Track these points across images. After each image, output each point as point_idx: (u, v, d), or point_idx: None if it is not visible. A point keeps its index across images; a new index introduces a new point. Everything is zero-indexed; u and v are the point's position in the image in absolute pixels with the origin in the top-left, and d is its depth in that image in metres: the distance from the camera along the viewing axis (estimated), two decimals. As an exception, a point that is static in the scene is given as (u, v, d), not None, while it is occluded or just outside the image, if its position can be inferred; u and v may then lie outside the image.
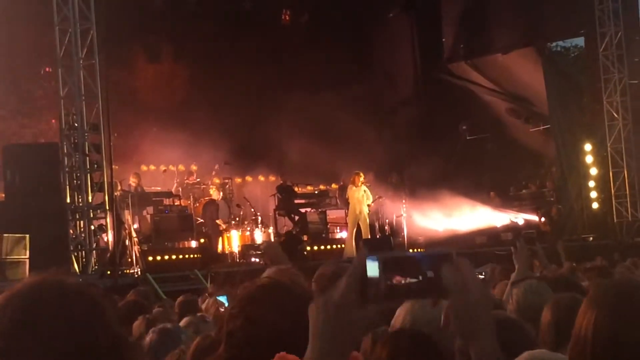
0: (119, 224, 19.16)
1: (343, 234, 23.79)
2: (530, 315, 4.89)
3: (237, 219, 22.74)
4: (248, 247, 21.45)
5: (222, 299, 8.09)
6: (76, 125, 18.24)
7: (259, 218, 22.91)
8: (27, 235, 16.26)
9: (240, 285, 3.06)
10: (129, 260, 19.27)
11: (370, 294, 1.99)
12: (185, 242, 21.04)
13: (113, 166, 18.71)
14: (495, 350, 2.04)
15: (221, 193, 23.32)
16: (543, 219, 25.66)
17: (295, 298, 2.05)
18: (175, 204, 22.64)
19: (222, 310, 7.15)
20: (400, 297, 2.05)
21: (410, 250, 24.16)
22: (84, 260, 17.97)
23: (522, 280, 5.64)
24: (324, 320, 1.99)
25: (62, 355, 1.97)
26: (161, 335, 5.72)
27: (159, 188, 23.41)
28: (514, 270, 6.87)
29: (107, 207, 18.31)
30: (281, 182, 24.20)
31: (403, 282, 2.01)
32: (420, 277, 2.02)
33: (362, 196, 22.22)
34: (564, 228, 24.95)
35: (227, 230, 22.22)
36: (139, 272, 18.44)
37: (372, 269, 1.99)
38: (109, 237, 18.39)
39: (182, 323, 6.40)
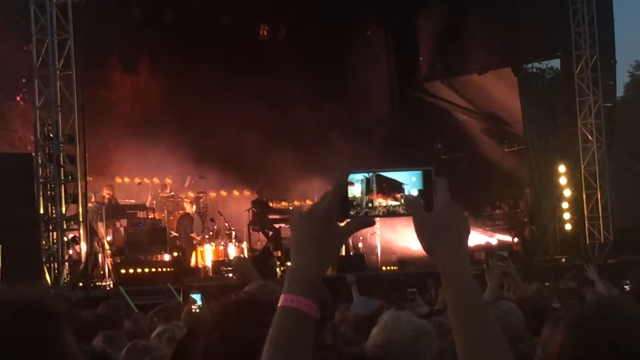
0: (92, 236, 19.09)
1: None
2: (509, 337, 4.92)
3: (211, 233, 22.68)
4: (219, 263, 21.39)
5: (196, 297, 8.06)
6: (51, 136, 18.16)
7: (233, 233, 22.86)
8: (0, 246, 16.16)
9: (215, 299, 3.06)
10: (102, 272, 19.21)
11: (352, 210, 2.11)
12: (159, 256, 20.92)
13: (87, 178, 18.65)
14: (458, 263, 2.08)
15: (195, 207, 23.26)
16: (516, 240, 25.75)
17: (272, 313, 2.07)
18: (149, 217, 22.57)
19: (195, 307, 7.12)
20: (379, 215, 2.14)
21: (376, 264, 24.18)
22: (56, 271, 17.85)
23: (496, 301, 5.66)
24: (308, 230, 2.09)
25: None
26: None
27: (133, 201, 23.32)
28: (483, 289, 6.88)
29: (81, 219, 18.23)
30: (257, 196, 24.14)
31: (385, 204, 2.12)
32: (402, 201, 2.13)
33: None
34: (537, 249, 25.04)
35: (200, 244, 22.16)
36: (111, 285, 18.37)
37: (357, 190, 2.11)
38: (81, 249, 18.30)
39: (157, 331, 6.37)
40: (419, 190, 2.12)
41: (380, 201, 2.12)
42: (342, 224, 2.11)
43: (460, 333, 2.06)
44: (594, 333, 2.35)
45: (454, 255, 2.08)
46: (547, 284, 12.95)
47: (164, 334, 6.15)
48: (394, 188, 2.12)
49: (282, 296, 2.07)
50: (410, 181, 2.12)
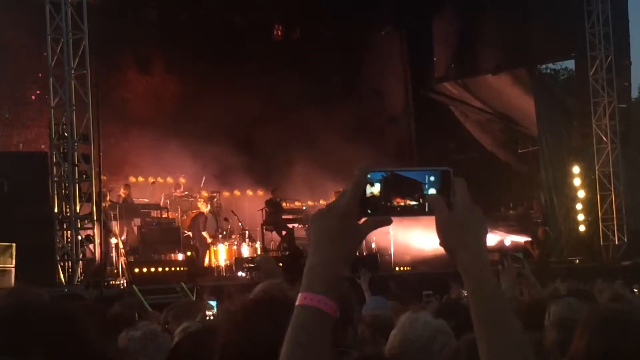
0: (106, 235, 19.12)
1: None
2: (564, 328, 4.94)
3: (225, 232, 22.70)
4: (241, 261, 21.38)
5: (212, 303, 8.05)
6: (66, 135, 18.20)
7: (247, 232, 22.87)
8: (14, 244, 16.16)
9: (230, 298, 3.05)
10: (115, 271, 19.25)
11: (370, 209, 2.09)
12: (172, 255, 20.97)
13: (102, 177, 18.70)
14: (479, 262, 2.09)
15: (209, 206, 23.26)
16: (530, 240, 25.69)
17: (290, 312, 2.07)
18: (163, 216, 22.62)
19: (210, 314, 7.10)
20: (397, 214, 2.12)
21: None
22: (70, 270, 17.89)
23: (560, 298, 5.64)
24: (328, 227, 2.08)
25: None
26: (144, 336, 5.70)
27: (146, 200, 23.37)
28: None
29: (95, 218, 18.26)
30: (270, 196, 24.16)
31: (403, 203, 2.12)
32: (420, 200, 2.12)
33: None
34: (551, 250, 24.97)
35: (214, 243, 22.18)
36: (125, 284, 18.40)
37: (375, 188, 2.10)
38: (95, 247, 18.33)
39: (180, 328, 6.35)
40: (437, 190, 2.11)
41: (399, 200, 2.11)
42: (360, 222, 2.10)
43: (482, 332, 2.06)
44: (620, 337, 2.35)
45: (476, 255, 2.09)
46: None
47: (188, 330, 6.13)
48: (413, 188, 2.12)
49: (300, 294, 2.05)
50: (428, 181, 2.12)
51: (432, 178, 2.12)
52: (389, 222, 2.13)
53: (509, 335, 2.04)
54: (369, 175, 2.11)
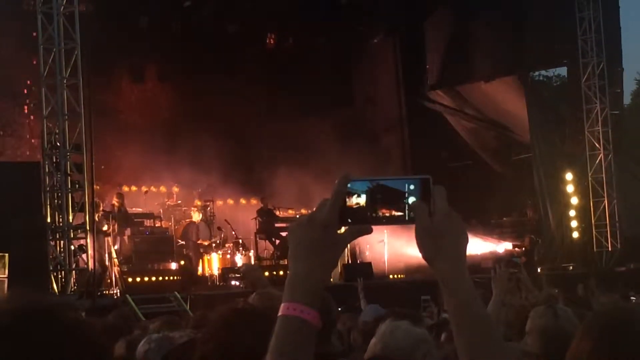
0: (99, 245, 19.08)
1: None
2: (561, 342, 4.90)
3: (218, 241, 22.66)
4: (227, 270, 21.37)
5: None
6: (58, 144, 18.17)
7: (240, 241, 22.84)
8: (6, 254, 16.12)
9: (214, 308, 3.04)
10: (109, 281, 19.20)
11: (351, 218, 2.08)
12: (165, 264, 20.94)
13: (94, 186, 18.65)
14: (457, 272, 2.06)
15: (201, 215, 23.23)
16: (517, 249, 25.67)
17: (271, 323, 2.05)
18: (156, 225, 22.57)
19: None
20: (383, 224, 2.11)
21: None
22: (63, 280, 17.84)
23: (550, 305, 5.62)
24: (309, 237, 2.06)
25: None
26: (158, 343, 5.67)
27: (140, 209, 23.32)
28: (490, 296, 6.85)
29: (88, 228, 18.22)
30: (262, 205, 24.13)
31: (388, 214, 2.10)
32: (405, 209, 2.10)
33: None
34: (539, 258, 24.90)
35: (207, 252, 22.14)
36: (119, 294, 18.37)
37: (362, 199, 2.09)
38: (88, 257, 18.29)
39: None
40: (417, 199, 2.10)
41: (385, 211, 2.10)
42: (340, 231, 2.09)
43: (462, 343, 2.03)
44: (626, 339, 2.33)
45: (454, 264, 2.06)
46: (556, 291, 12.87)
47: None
48: (398, 197, 2.10)
49: (283, 304, 2.04)
50: (408, 189, 2.10)
51: (412, 186, 2.11)
52: (369, 231, 2.12)
53: (488, 345, 2.02)
54: (349, 185, 2.09)
